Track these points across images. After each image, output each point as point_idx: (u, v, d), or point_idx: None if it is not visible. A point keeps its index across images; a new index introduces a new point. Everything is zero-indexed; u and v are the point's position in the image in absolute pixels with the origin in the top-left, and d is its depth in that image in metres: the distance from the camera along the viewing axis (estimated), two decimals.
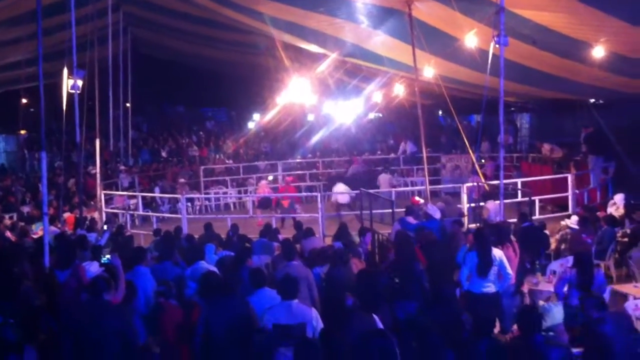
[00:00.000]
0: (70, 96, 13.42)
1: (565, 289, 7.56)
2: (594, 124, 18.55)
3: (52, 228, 12.00)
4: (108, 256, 8.75)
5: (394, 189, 17.11)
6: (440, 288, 7.65)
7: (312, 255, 9.38)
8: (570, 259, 8.73)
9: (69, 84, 13.36)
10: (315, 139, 27.42)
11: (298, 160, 25.48)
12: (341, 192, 17.05)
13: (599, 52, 12.22)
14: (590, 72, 14.02)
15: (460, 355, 5.89)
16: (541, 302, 8.13)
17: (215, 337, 6.30)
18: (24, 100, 35.38)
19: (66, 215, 14.89)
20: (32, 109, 34.43)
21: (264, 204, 18.27)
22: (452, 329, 6.25)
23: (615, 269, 10.97)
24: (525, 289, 8.98)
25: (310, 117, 31.04)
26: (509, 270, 8.01)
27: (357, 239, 11.11)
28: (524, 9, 11.36)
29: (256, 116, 34.54)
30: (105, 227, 13.25)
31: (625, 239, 11.26)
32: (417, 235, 9.82)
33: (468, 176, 17.77)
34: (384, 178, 19.10)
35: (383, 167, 21.52)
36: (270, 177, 22.13)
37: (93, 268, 7.99)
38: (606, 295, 7.46)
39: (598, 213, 13.10)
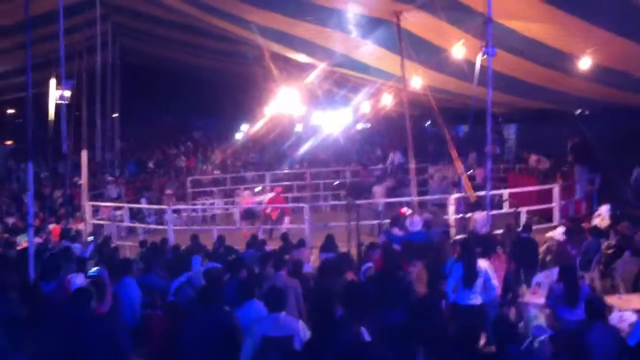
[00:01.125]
0: (57, 107, 13.35)
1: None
2: (580, 134, 18.66)
3: (37, 240, 11.91)
4: (95, 268, 8.69)
5: (382, 200, 17.12)
6: (426, 298, 7.66)
7: (298, 266, 9.38)
8: (555, 271, 8.75)
9: (57, 94, 13.26)
10: (303, 149, 27.41)
11: (286, 171, 25.41)
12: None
13: (585, 63, 12.29)
14: (576, 83, 14.11)
15: None
16: (532, 312, 8.13)
17: (198, 348, 6.29)
18: (11, 110, 35.33)
19: (52, 226, 14.79)
20: (19, 120, 34.33)
21: (249, 215, 18.20)
22: (436, 339, 6.26)
23: (600, 281, 10.98)
24: None
25: (299, 128, 31.02)
26: (495, 281, 8.02)
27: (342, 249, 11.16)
28: (511, 20, 11.43)
29: (244, 126, 34.47)
30: (91, 238, 13.15)
31: (610, 251, 11.28)
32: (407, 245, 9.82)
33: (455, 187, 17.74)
34: (379, 189, 19.15)
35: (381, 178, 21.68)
36: (259, 188, 22.09)
37: (79, 280, 7.94)
38: None
39: (583, 224, 13.16)
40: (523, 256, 10.14)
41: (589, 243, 11.11)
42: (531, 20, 11.26)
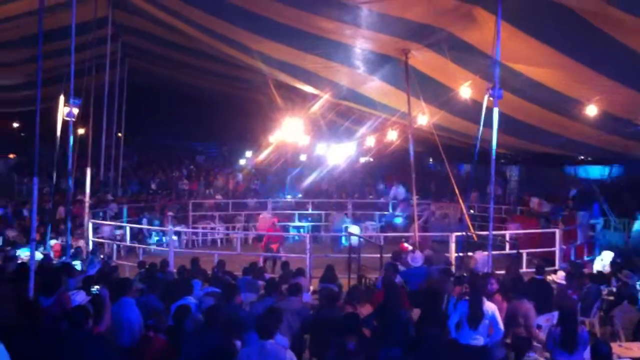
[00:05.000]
0: (64, 123, 13.38)
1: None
2: (583, 180, 18.73)
3: (38, 254, 11.89)
4: (97, 286, 8.67)
5: (383, 234, 17.12)
6: (425, 334, 7.64)
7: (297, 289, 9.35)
8: (555, 314, 8.73)
9: (65, 111, 13.30)
10: (308, 180, 27.41)
11: (288, 200, 25.39)
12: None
13: (590, 109, 12.39)
14: (581, 129, 14.21)
15: None
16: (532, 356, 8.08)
17: None
18: (16, 124, 35.47)
19: (52, 242, 14.76)
20: (23, 133, 34.47)
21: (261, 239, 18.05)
22: None
23: (600, 327, 10.94)
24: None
25: (303, 158, 31.10)
26: (501, 325, 7.95)
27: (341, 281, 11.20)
28: (519, 64, 11.55)
29: (248, 153, 34.54)
30: (101, 256, 13.12)
31: (611, 298, 11.26)
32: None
33: (456, 225, 17.73)
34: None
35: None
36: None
37: (79, 297, 7.91)
38: (587, 355, 7.42)
39: (584, 269, 13.14)
40: (536, 298, 10.07)
41: (589, 289, 11.08)
42: (538, 64, 11.38)
